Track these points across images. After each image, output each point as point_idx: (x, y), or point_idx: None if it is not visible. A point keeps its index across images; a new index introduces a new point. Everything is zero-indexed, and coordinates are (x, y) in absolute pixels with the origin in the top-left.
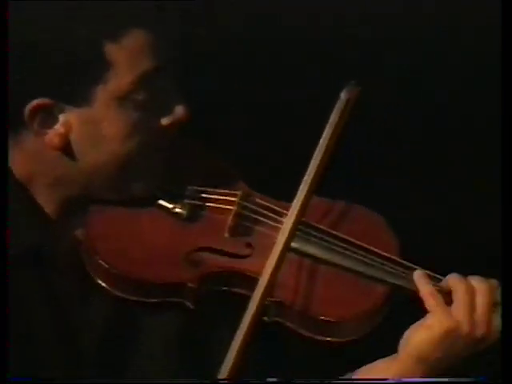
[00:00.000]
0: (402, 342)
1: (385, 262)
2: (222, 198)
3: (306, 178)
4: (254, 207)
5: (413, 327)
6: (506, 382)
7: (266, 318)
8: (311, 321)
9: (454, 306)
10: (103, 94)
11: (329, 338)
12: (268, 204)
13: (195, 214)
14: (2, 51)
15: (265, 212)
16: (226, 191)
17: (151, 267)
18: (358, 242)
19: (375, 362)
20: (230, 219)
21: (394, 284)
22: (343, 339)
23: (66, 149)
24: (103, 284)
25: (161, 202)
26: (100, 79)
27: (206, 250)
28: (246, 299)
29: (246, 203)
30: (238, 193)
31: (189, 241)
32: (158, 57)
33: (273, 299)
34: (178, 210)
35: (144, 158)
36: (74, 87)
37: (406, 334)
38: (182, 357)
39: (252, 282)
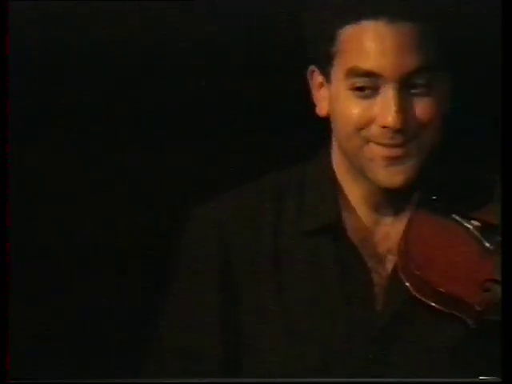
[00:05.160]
0: None
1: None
2: None
3: None
4: None
5: None
6: (506, 382)
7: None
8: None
9: None
10: None
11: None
12: None
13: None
14: (1, 51)
15: None
16: None
17: (450, 281)
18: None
19: None
20: None
21: None
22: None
23: None
24: (407, 283)
25: (473, 232)
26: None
27: (495, 281)
28: None
29: None
30: None
31: (486, 270)
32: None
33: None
34: (487, 245)
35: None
36: None
37: None
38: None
39: None
